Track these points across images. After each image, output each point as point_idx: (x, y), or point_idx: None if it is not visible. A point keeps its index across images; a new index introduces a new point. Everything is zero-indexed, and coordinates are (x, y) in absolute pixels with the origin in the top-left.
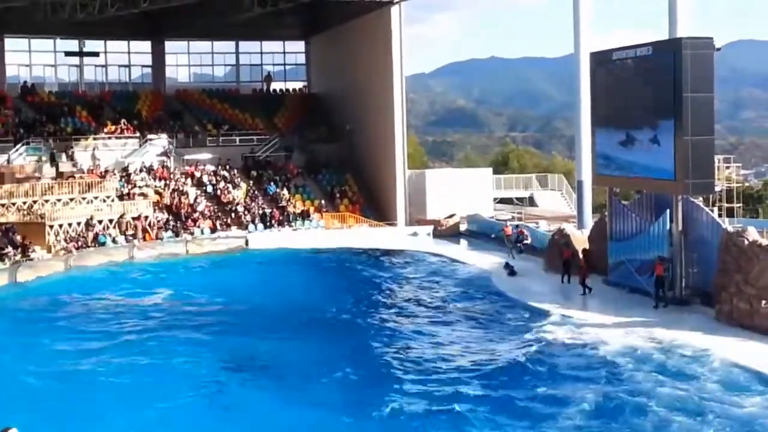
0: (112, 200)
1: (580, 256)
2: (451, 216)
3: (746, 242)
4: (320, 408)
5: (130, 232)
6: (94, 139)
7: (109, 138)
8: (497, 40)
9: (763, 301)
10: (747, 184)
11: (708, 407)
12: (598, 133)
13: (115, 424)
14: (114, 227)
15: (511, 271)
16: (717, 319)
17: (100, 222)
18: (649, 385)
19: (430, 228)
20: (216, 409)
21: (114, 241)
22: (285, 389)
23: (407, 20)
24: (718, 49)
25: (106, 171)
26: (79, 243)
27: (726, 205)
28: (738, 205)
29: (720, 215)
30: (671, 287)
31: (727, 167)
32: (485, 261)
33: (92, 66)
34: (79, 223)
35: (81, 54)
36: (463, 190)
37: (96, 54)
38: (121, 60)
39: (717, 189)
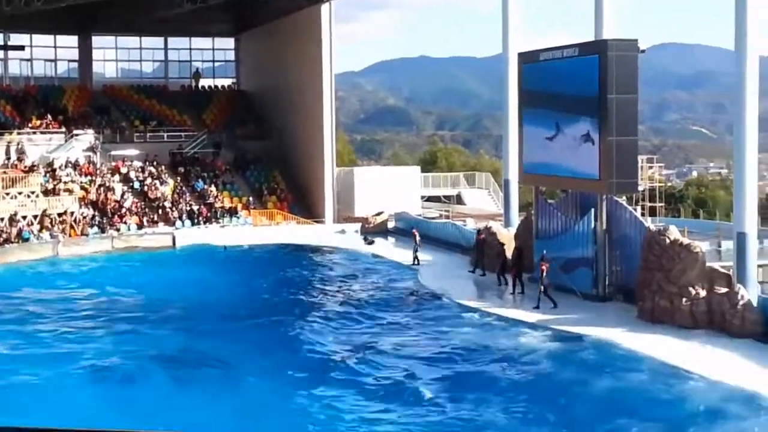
0: (37, 196)
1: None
2: (378, 214)
3: (668, 241)
4: (236, 400)
5: (55, 228)
6: (19, 133)
7: (34, 133)
8: (426, 40)
9: (684, 299)
10: (669, 184)
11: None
12: (526, 131)
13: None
14: (38, 223)
15: (369, 242)
16: (639, 316)
17: (24, 218)
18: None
19: (357, 225)
20: (121, 400)
21: (38, 237)
22: (200, 383)
23: (337, 18)
24: (643, 51)
25: (31, 166)
26: (3, 239)
27: (649, 204)
28: (660, 204)
29: (643, 214)
30: (595, 285)
31: (650, 167)
32: (410, 257)
33: (17, 60)
34: (2, 219)
35: (6, 48)
36: (391, 188)
37: (21, 48)
38: (47, 54)
39: (640, 188)
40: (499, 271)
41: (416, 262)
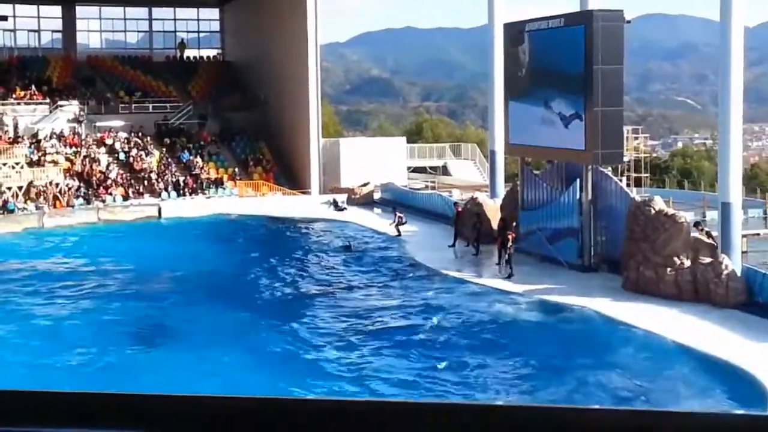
0: (22, 167)
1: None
2: (365, 185)
3: (653, 211)
4: (224, 371)
5: (40, 199)
6: (3, 105)
7: (18, 104)
8: (411, 10)
9: (668, 269)
10: (654, 155)
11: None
12: (512, 105)
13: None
14: (24, 195)
15: (337, 207)
16: (624, 286)
17: (9, 189)
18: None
19: (344, 196)
20: (101, 370)
21: (23, 209)
22: (187, 353)
23: None
24: (628, 22)
25: (16, 137)
26: None
27: (634, 175)
28: (645, 175)
29: (628, 185)
30: (580, 255)
31: (636, 138)
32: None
33: (0, 30)
34: None
35: None
36: (377, 159)
37: (4, 18)
38: (31, 25)
39: (625, 159)
40: (474, 241)
41: (399, 233)
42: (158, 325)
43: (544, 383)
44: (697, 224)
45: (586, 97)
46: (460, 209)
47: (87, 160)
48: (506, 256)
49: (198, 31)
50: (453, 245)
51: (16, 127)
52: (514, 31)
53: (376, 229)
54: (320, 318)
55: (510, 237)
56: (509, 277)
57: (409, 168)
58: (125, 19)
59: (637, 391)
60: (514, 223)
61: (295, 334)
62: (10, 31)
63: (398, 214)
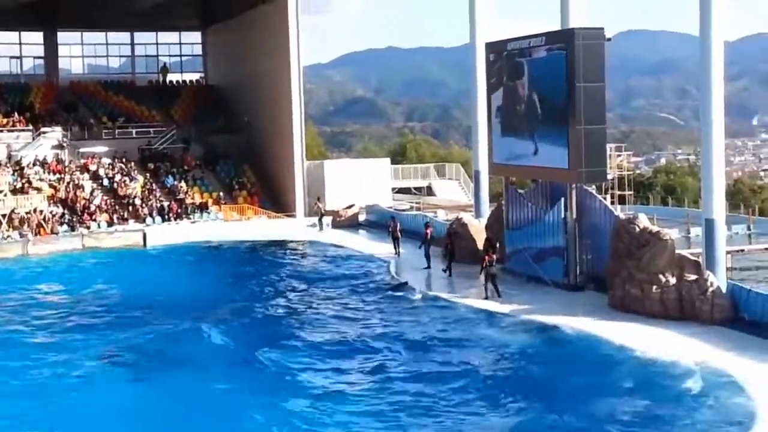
0: (5, 195)
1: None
2: (349, 207)
3: (637, 229)
4: (203, 396)
5: (24, 227)
6: None
7: (1, 131)
8: (394, 30)
9: (654, 287)
10: (638, 172)
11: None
12: (505, 139)
13: None
14: (7, 222)
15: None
16: (610, 304)
17: None
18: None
19: (329, 219)
20: (85, 399)
21: (7, 237)
22: (166, 381)
23: (303, 10)
24: (609, 40)
25: None
26: None
27: (618, 192)
28: (629, 192)
29: (612, 203)
30: (566, 274)
31: (619, 155)
32: (383, 250)
33: None
34: None
35: None
36: (362, 181)
37: None
38: (13, 51)
39: (609, 177)
40: (447, 262)
41: (397, 252)
42: (138, 352)
43: (528, 404)
44: None
45: (569, 115)
46: (430, 230)
47: (71, 186)
48: (482, 277)
49: (180, 55)
50: (428, 267)
51: None
52: (512, 63)
53: (361, 251)
54: (311, 345)
55: (486, 258)
56: (486, 298)
57: (393, 189)
58: (107, 44)
59: (631, 412)
60: (498, 244)
61: (290, 362)
62: None
63: (397, 225)
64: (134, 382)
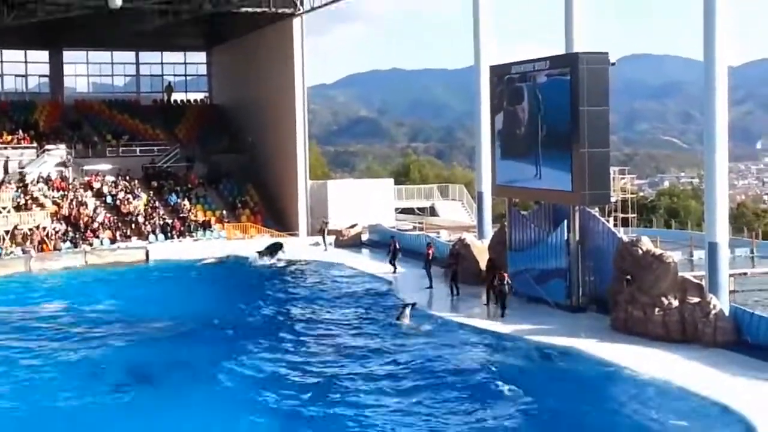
0: (9, 211)
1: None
2: (352, 226)
3: (640, 252)
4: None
5: (27, 243)
6: None
7: (5, 148)
8: (398, 52)
9: (656, 309)
10: (641, 194)
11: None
12: (499, 146)
13: None
14: (9, 238)
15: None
16: (612, 326)
17: None
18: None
19: (332, 238)
20: (82, 416)
21: (10, 253)
22: (175, 399)
23: (308, 31)
24: (613, 64)
25: (2, 181)
26: None
27: (621, 215)
28: (632, 215)
29: (615, 225)
30: (568, 295)
31: (622, 178)
32: (386, 269)
33: None
34: None
35: None
36: (365, 201)
37: None
38: (18, 69)
39: (612, 200)
40: (451, 281)
41: (395, 270)
42: (141, 370)
43: (525, 426)
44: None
45: (572, 138)
46: (431, 250)
47: (74, 203)
48: (494, 295)
49: (185, 75)
50: (430, 286)
51: (3, 170)
52: (513, 88)
53: (364, 270)
54: (317, 358)
55: (502, 276)
56: (502, 315)
57: (396, 209)
58: (112, 63)
59: None
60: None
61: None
62: None
63: (396, 244)
64: (132, 400)
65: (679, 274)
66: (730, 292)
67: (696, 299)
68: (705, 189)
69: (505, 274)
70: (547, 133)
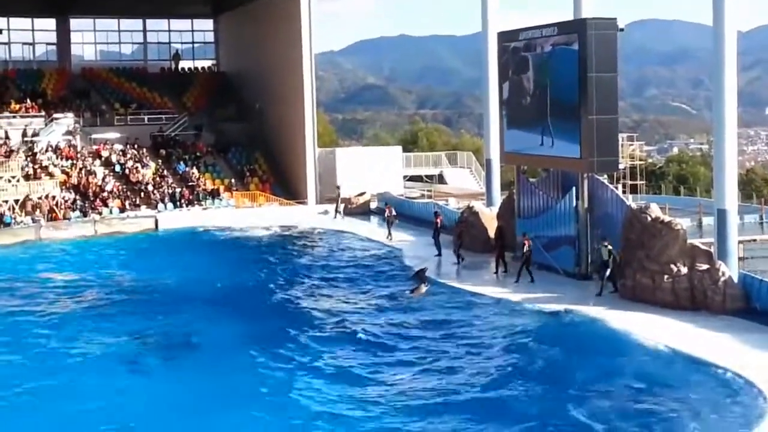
0: (18, 180)
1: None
2: (361, 194)
3: (649, 219)
4: (221, 384)
5: (37, 212)
6: None
7: (14, 117)
8: (406, 18)
9: (665, 276)
10: (650, 161)
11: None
12: (507, 114)
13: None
14: (20, 207)
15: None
16: (621, 294)
17: (5, 202)
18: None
19: (341, 206)
20: (107, 383)
21: (20, 222)
22: (186, 366)
23: None
24: (621, 30)
25: (11, 150)
26: None
27: (630, 182)
28: (641, 182)
29: (624, 192)
30: (577, 263)
31: (631, 145)
32: (394, 238)
33: None
34: None
35: None
36: (373, 169)
37: None
38: (25, 37)
39: (621, 166)
40: (455, 249)
41: (390, 237)
42: (151, 338)
43: (539, 393)
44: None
45: (581, 104)
46: (439, 219)
47: (83, 172)
48: (504, 262)
49: (192, 42)
50: (439, 254)
51: (11, 140)
52: (518, 58)
53: (372, 238)
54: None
55: (526, 243)
56: (531, 281)
57: (405, 177)
58: (119, 30)
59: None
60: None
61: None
62: (4, 44)
63: (391, 210)
64: (142, 369)
65: (688, 241)
66: (739, 258)
67: (705, 266)
68: (714, 155)
69: (527, 240)
70: (555, 101)
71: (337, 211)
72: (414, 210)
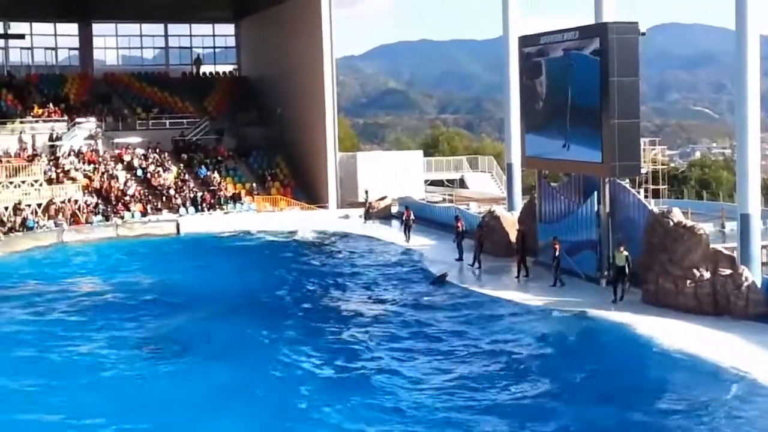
0: (41, 184)
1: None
2: (382, 198)
3: (671, 223)
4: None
5: (59, 216)
6: (21, 122)
7: (37, 121)
8: (427, 23)
9: (688, 281)
10: (672, 166)
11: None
12: (528, 119)
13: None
14: (43, 212)
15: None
16: (643, 299)
17: (28, 206)
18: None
19: (361, 210)
20: (124, 388)
21: (42, 226)
22: (202, 370)
23: (337, 2)
24: (643, 34)
25: (34, 155)
26: (7, 228)
27: (652, 186)
28: (663, 186)
29: (646, 197)
30: (599, 268)
31: (653, 149)
32: (416, 242)
33: (18, 48)
34: (6, 208)
35: (6, 36)
36: (394, 173)
37: (22, 36)
38: (48, 42)
39: (643, 171)
40: (476, 254)
41: (408, 240)
42: (174, 341)
43: (563, 400)
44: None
45: (602, 109)
46: (460, 223)
47: (105, 176)
48: (526, 267)
49: (214, 47)
50: (460, 258)
51: (34, 144)
52: (530, 63)
53: (394, 242)
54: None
55: (557, 247)
56: (562, 285)
57: (426, 181)
58: (141, 35)
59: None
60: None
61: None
62: (28, 49)
63: (410, 214)
64: (166, 370)
65: (711, 245)
66: (763, 263)
67: (728, 271)
68: (737, 159)
69: (558, 244)
70: (576, 105)
71: (367, 215)
72: (435, 214)
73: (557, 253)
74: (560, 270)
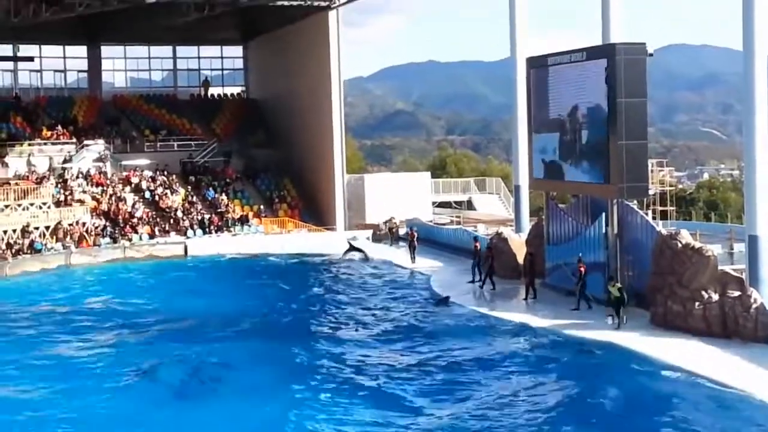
0: (49, 207)
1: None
2: (389, 220)
3: (679, 245)
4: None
5: (67, 239)
6: (29, 145)
7: (45, 144)
8: (434, 44)
9: (696, 303)
10: (680, 187)
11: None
12: (536, 140)
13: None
14: (51, 234)
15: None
16: (651, 321)
17: (36, 229)
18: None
19: (369, 232)
20: (126, 412)
21: (50, 248)
22: (213, 392)
23: (344, 24)
24: (651, 55)
25: (42, 177)
26: (15, 250)
27: (660, 208)
28: (671, 207)
29: (654, 218)
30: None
31: (661, 170)
32: (424, 264)
33: (27, 71)
34: (14, 231)
35: (15, 59)
36: (402, 195)
37: (30, 59)
38: (57, 65)
39: (651, 192)
40: (487, 275)
41: (413, 261)
42: (178, 366)
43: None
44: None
45: (610, 130)
46: (478, 244)
47: (113, 198)
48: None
49: (222, 69)
50: (473, 281)
51: (43, 166)
52: (537, 65)
53: (402, 264)
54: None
55: (582, 268)
56: (589, 308)
57: (434, 203)
58: (150, 57)
59: None
60: (579, 255)
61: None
62: (36, 71)
63: (414, 235)
64: (171, 395)
65: (719, 267)
66: None
67: (736, 293)
68: (745, 181)
69: (583, 266)
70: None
71: (392, 239)
72: (443, 236)
73: (583, 275)
74: (584, 294)
